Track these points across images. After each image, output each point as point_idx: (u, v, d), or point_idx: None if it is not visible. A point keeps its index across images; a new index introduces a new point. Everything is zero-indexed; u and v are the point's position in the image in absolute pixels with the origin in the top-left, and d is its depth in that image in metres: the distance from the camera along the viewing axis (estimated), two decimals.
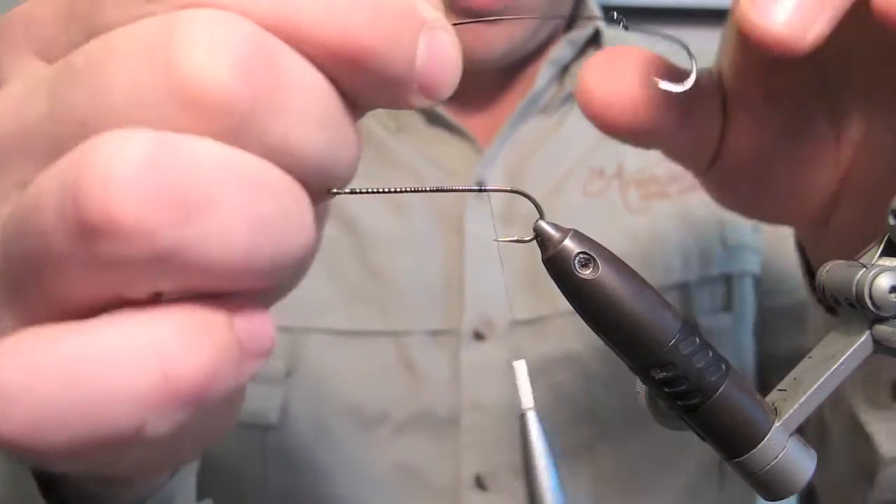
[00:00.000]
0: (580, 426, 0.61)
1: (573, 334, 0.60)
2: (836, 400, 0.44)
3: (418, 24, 0.20)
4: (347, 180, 0.22)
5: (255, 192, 0.18)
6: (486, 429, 0.61)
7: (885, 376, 0.40)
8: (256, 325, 0.20)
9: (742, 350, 0.63)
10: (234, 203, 0.18)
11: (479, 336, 0.61)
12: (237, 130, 0.18)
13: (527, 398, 0.25)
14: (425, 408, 0.62)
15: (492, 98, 0.67)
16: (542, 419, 0.24)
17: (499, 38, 0.60)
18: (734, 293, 0.63)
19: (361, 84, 0.20)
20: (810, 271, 0.40)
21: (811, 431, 0.50)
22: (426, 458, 0.61)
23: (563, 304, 0.61)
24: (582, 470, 0.61)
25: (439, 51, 0.20)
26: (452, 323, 0.62)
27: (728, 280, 0.63)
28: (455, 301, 0.62)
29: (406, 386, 0.62)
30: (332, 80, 0.20)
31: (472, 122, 0.66)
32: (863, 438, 0.44)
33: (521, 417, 0.25)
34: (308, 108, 0.19)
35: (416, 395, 0.62)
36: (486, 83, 0.66)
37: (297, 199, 0.20)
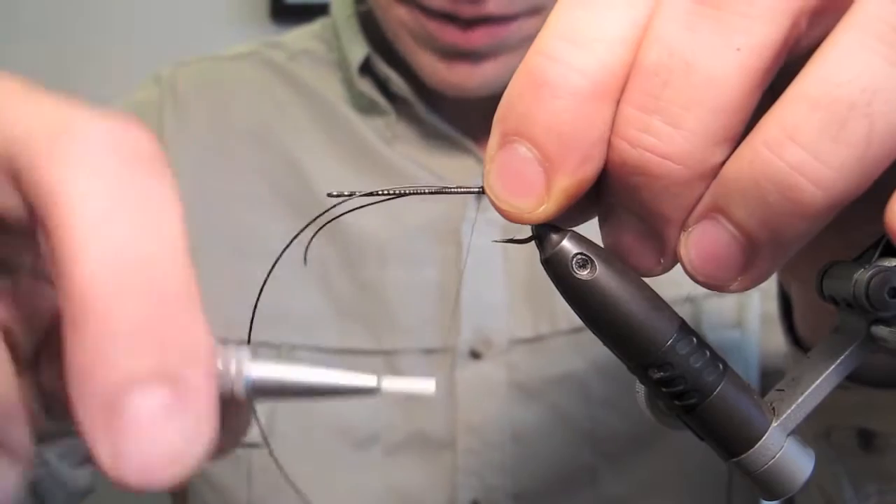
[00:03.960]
0: (582, 449, 0.62)
1: (573, 354, 0.61)
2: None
3: None
4: None
5: None
6: (483, 452, 0.61)
7: (849, 423, 0.41)
8: None
9: (749, 366, 0.64)
10: None
11: (475, 354, 0.62)
12: None
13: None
14: (418, 430, 0.62)
15: (494, 109, 0.67)
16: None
17: (494, 73, 0.60)
18: (744, 309, 0.64)
19: None
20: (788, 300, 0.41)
21: None
22: (420, 481, 0.62)
23: (564, 322, 0.62)
24: (584, 494, 0.61)
25: None
26: (447, 341, 0.63)
27: (738, 295, 0.64)
28: (451, 317, 0.63)
29: (397, 407, 0.62)
30: None
31: (474, 133, 0.67)
32: (827, 477, 0.45)
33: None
34: None
35: (409, 417, 0.62)
36: (486, 99, 0.65)
37: None
